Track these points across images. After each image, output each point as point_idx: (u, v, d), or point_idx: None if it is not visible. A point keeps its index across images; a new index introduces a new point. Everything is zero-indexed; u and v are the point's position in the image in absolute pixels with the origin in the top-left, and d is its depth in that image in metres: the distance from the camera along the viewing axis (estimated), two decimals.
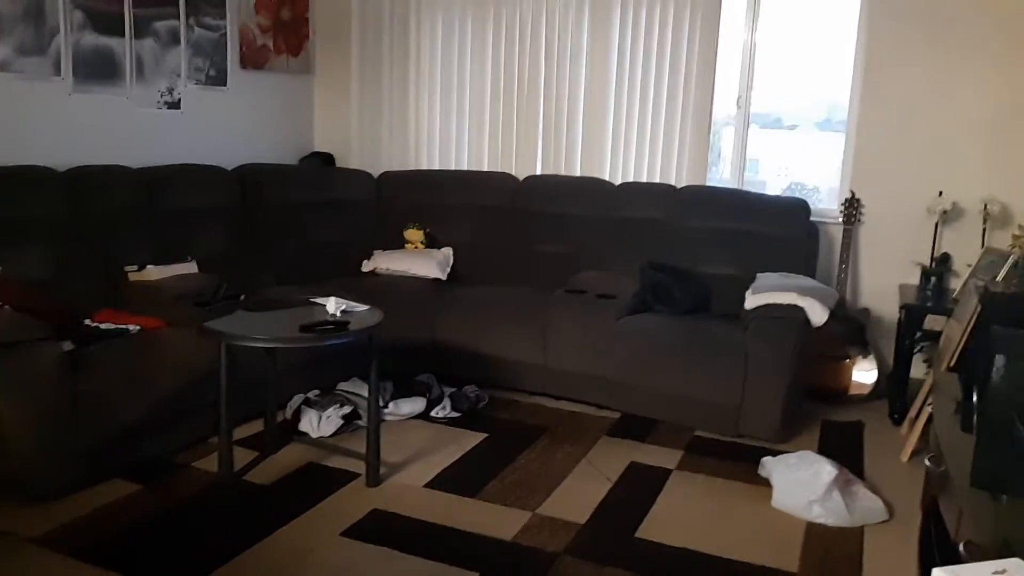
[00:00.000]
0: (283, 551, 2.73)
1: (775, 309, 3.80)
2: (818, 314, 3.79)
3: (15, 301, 3.11)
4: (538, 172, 5.18)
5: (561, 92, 5.05)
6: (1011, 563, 1.37)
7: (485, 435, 3.76)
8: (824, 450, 3.63)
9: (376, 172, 5.25)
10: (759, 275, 4.18)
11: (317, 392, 3.89)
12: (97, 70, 4.18)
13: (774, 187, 5.34)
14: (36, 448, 2.85)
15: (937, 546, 2.53)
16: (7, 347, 2.78)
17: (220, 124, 4.94)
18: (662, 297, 4.23)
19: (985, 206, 4.20)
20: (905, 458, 3.66)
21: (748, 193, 4.73)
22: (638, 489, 3.29)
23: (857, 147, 4.58)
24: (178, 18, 4.57)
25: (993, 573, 1.28)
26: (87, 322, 3.42)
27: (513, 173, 5.13)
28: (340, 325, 2.98)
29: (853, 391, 4.32)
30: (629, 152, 4.96)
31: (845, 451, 3.69)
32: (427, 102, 5.37)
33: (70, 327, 3.29)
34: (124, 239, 3.95)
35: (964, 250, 4.32)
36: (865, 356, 4.34)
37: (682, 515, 3.09)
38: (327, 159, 5.49)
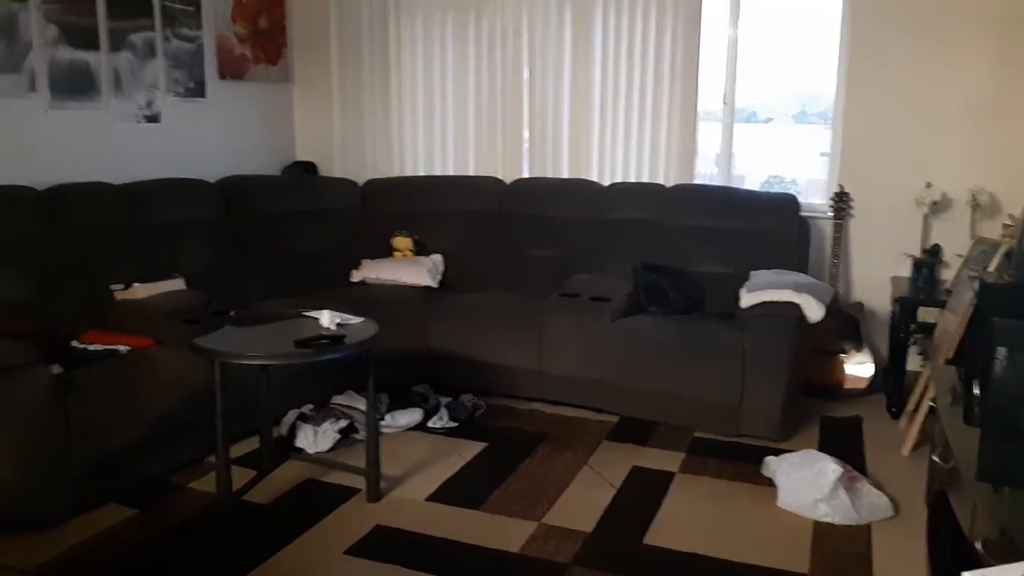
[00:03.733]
0: (287, 571, 2.69)
1: (771, 307, 3.81)
2: (814, 310, 3.79)
3: None
4: (525, 175, 5.16)
5: (545, 93, 5.03)
6: None
7: (484, 444, 3.73)
8: (824, 447, 3.64)
9: (360, 180, 5.21)
10: (753, 273, 4.19)
11: (311, 407, 3.85)
12: (74, 85, 4.11)
13: (752, 181, 5.35)
14: (28, 476, 2.80)
15: (949, 543, 2.53)
16: None
17: (201, 136, 4.88)
18: (656, 298, 4.23)
19: (973, 196, 4.24)
20: (906, 452, 3.68)
21: (737, 190, 4.74)
22: (642, 494, 3.28)
23: (844, 140, 4.60)
24: (154, 29, 4.51)
25: None
26: (74, 344, 3.36)
27: (500, 177, 5.11)
28: (336, 339, 2.94)
29: (849, 386, 4.34)
30: (616, 152, 4.95)
31: (845, 447, 3.71)
32: (410, 107, 5.34)
33: (58, 350, 3.23)
34: (108, 257, 3.88)
35: (954, 241, 4.36)
36: (860, 350, 4.36)
37: (689, 519, 3.08)
38: (309, 168, 5.45)
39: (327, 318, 3.10)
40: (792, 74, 5.02)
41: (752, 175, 5.39)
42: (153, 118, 4.56)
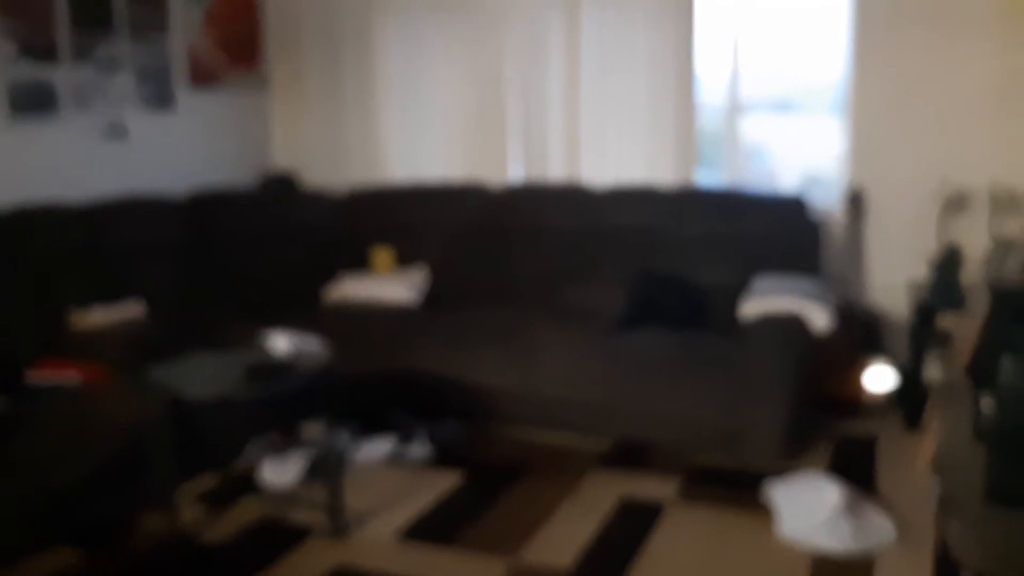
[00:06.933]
0: None
1: (774, 317, 3.72)
2: (821, 319, 3.71)
3: None
4: (513, 178, 5.10)
5: (535, 91, 4.98)
6: None
7: (463, 474, 3.65)
8: (835, 467, 3.54)
9: (340, 188, 5.17)
10: (757, 279, 4.09)
11: (274, 437, 3.81)
12: (34, 100, 4.15)
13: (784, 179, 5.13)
14: None
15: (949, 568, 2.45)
16: None
17: (170, 149, 4.88)
18: (655, 311, 4.14)
19: (991, 191, 4.13)
20: (921, 469, 3.57)
21: (740, 191, 4.65)
22: (631, 525, 3.19)
23: (856, 136, 4.49)
24: (119, 39, 4.53)
25: None
26: (25, 374, 3.36)
27: (486, 181, 5.03)
28: (288, 367, 2.92)
29: (866, 398, 4.23)
30: (610, 153, 4.88)
31: (857, 466, 3.59)
32: (391, 112, 5.30)
33: (8, 381, 3.25)
34: (67, 283, 3.90)
35: (973, 239, 4.23)
36: (877, 359, 4.25)
37: (680, 552, 2.99)
38: (286, 180, 5.43)
39: (282, 343, 3.08)
40: (802, 64, 4.89)
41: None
42: (119, 132, 4.58)
